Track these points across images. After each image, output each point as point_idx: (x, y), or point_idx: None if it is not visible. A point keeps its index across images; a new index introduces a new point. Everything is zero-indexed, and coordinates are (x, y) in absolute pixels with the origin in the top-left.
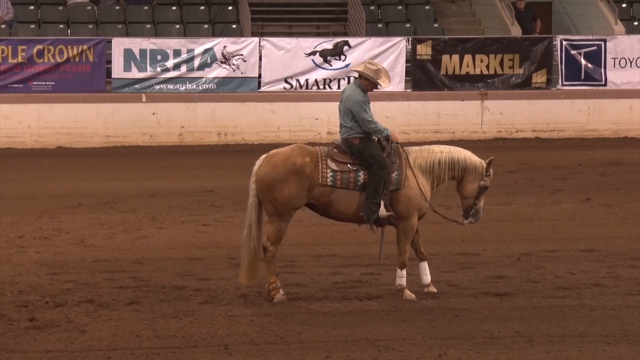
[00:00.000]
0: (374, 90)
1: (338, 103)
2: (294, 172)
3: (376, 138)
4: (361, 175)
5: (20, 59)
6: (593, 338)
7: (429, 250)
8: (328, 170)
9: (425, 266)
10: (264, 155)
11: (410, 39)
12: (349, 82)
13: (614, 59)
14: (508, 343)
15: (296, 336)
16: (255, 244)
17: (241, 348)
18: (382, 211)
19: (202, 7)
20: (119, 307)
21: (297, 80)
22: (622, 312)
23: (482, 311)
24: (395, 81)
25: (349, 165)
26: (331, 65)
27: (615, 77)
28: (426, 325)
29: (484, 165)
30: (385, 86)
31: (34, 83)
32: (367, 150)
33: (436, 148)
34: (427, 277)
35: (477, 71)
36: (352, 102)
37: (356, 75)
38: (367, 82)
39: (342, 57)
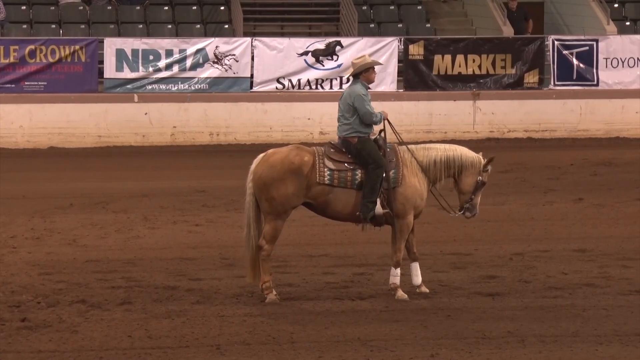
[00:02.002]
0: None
1: (330, 103)
2: (291, 171)
3: (373, 137)
4: (358, 174)
5: (12, 59)
6: (585, 338)
7: (421, 250)
8: (325, 169)
9: (416, 267)
10: (261, 155)
11: (402, 39)
12: (341, 82)
13: (606, 59)
14: (500, 343)
15: (288, 336)
16: (254, 242)
17: (233, 348)
18: (378, 208)
19: (194, 7)
20: (111, 308)
21: (290, 81)
22: (615, 312)
23: (475, 311)
24: (387, 81)
25: (346, 164)
26: (323, 66)
27: (607, 77)
28: (418, 325)
29: (481, 160)
30: (380, 63)
31: (26, 83)
32: (365, 150)
33: (432, 147)
34: (418, 278)
35: (470, 71)
36: (354, 96)
37: (351, 78)
38: (365, 75)
39: (335, 57)
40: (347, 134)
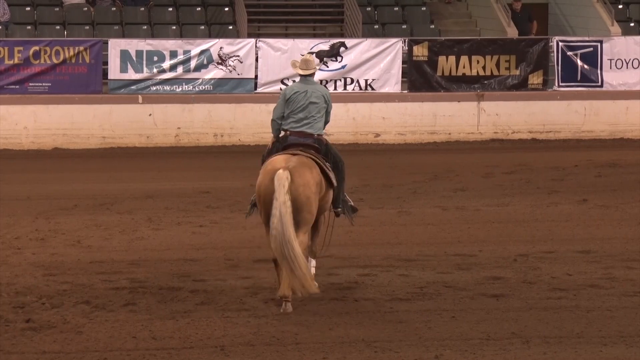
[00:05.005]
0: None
1: (334, 104)
2: (317, 183)
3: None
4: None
5: (16, 60)
6: (589, 339)
7: (425, 251)
8: (330, 173)
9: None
10: (284, 172)
11: (406, 40)
12: (345, 83)
13: (610, 60)
14: (504, 344)
15: (292, 337)
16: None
17: (237, 349)
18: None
19: (199, 9)
20: (116, 309)
21: (294, 82)
22: (619, 313)
23: (479, 312)
24: (391, 82)
25: (328, 164)
26: (327, 67)
27: (612, 78)
28: (423, 327)
29: None
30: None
31: (31, 84)
32: (332, 149)
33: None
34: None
35: (474, 72)
36: (328, 97)
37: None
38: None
39: (339, 59)
40: (320, 131)
